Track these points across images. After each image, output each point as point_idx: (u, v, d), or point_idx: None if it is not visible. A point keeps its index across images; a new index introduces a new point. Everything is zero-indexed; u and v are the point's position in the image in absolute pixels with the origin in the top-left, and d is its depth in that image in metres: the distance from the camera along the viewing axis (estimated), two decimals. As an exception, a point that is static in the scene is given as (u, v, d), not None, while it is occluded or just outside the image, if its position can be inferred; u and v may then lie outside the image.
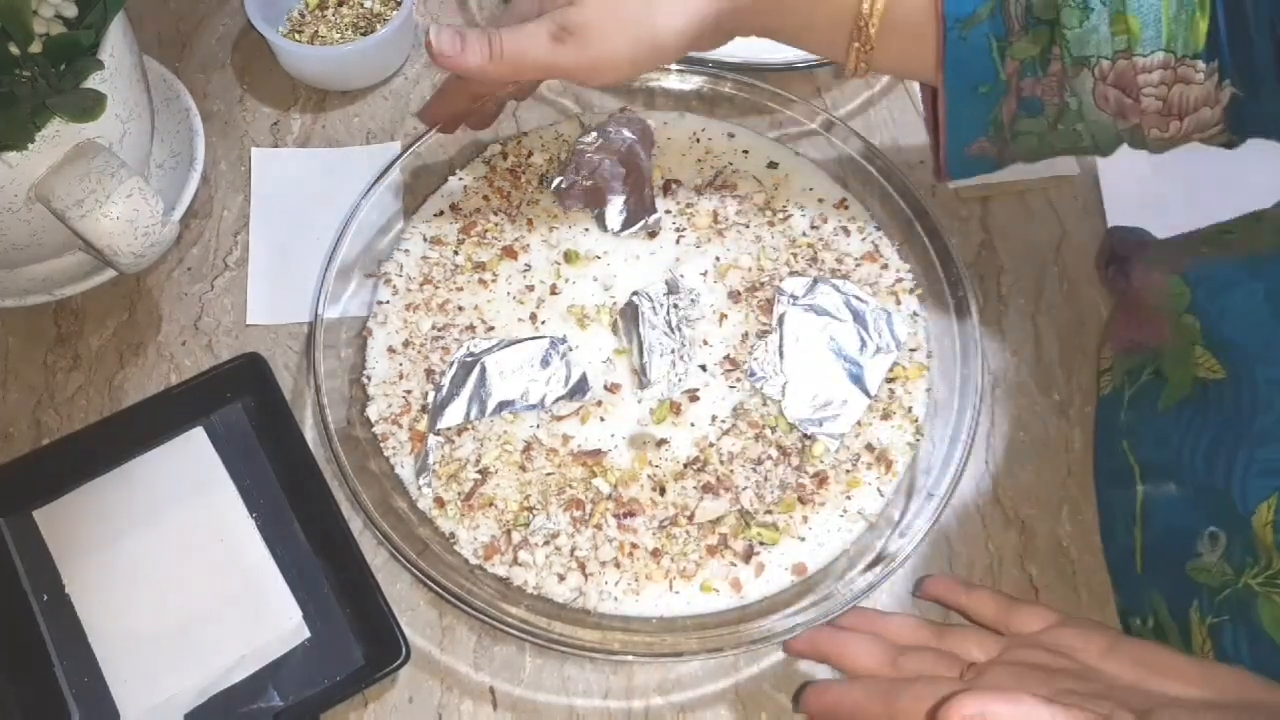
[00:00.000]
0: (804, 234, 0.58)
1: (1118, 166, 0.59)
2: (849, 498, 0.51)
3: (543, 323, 0.55)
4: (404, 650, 0.46)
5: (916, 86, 0.67)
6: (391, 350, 0.54)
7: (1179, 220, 0.56)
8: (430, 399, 0.52)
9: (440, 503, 0.50)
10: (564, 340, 0.53)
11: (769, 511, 0.50)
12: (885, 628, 0.46)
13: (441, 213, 0.58)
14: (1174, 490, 0.47)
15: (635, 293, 0.55)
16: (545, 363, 0.52)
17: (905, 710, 0.40)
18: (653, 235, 0.58)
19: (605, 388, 0.53)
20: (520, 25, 0.49)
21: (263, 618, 0.48)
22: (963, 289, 0.55)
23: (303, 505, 0.51)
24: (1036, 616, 0.44)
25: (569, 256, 0.57)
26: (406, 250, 0.57)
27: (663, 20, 0.48)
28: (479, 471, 0.50)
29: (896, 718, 0.40)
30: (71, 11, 0.48)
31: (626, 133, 0.59)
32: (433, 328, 0.55)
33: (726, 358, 0.54)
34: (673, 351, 0.53)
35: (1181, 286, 0.48)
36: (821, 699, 0.43)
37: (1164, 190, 0.62)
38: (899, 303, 0.56)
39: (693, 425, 0.52)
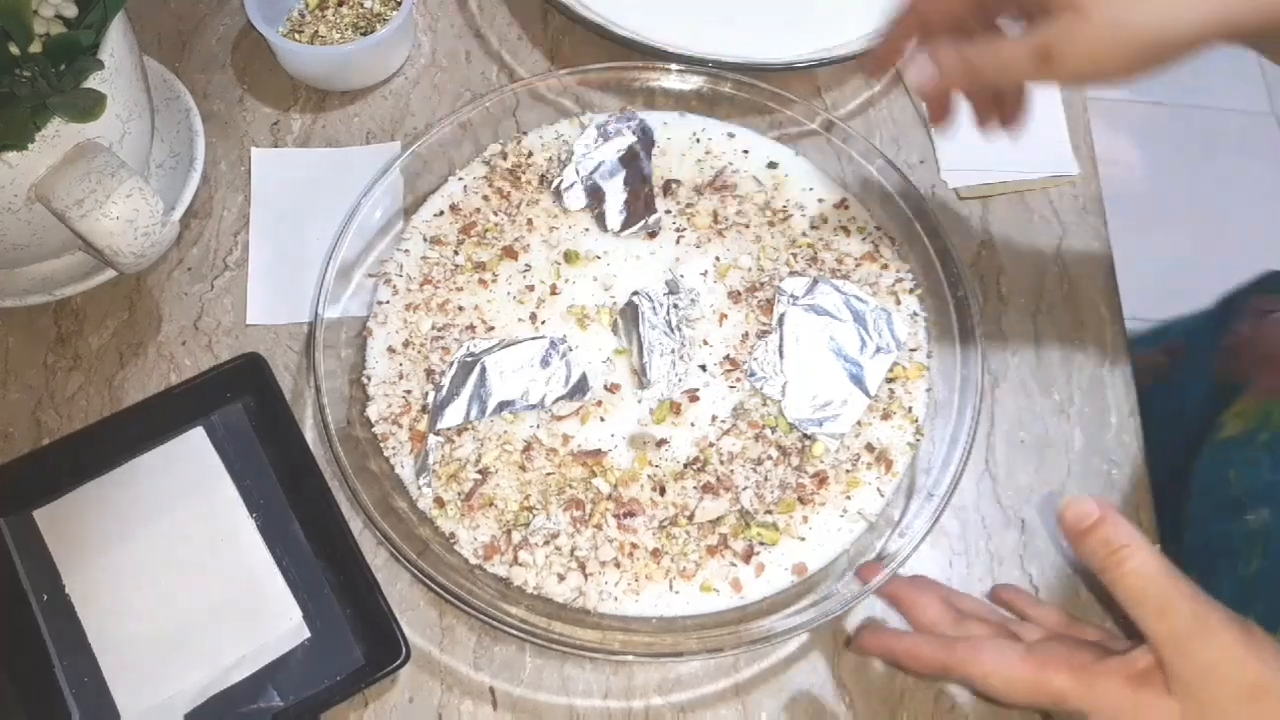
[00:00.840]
0: (804, 234, 0.58)
1: (1120, 168, 0.59)
2: (849, 498, 0.51)
3: (543, 323, 0.55)
4: (404, 650, 0.46)
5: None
6: (391, 350, 0.54)
7: (1181, 219, 0.56)
8: (430, 399, 0.52)
9: (440, 503, 0.50)
10: (564, 340, 0.53)
11: (769, 511, 0.50)
12: (957, 601, 0.47)
13: (441, 213, 0.58)
14: None
15: (635, 293, 0.55)
16: (545, 363, 0.52)
17: (960, 659, 0.41)
18: (653, 235, 0.58)
19: (605, 388, 0.53)
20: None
21: (263, 618, 0.48)
22: (963, 289, 0.55)
23: (303, 505, 0.51)
24: (1099, 633, 0.45)
25: (569, 256, 0.57)
26: (406, 250, 0.57)
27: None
28: (479, 471, 0.50)
29: (950, 665, 0.41)
30: (71, 11, 0.48)
31: (627, 133, 0.59)
32: (433, 328, 0.55)
33: (726, 358, 0.54)
34: (673, 351, 0.53)
35: None
36: (880, 638, 0.45)
37: (1166, 191, 0.62)
38: (899, 303, 0.56)
39: (693, 425, 0.52)
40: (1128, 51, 0.41)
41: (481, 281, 0.56)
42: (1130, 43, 0.41)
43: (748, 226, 0.58)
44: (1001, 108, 0.49)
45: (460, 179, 0.60)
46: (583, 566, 0.49)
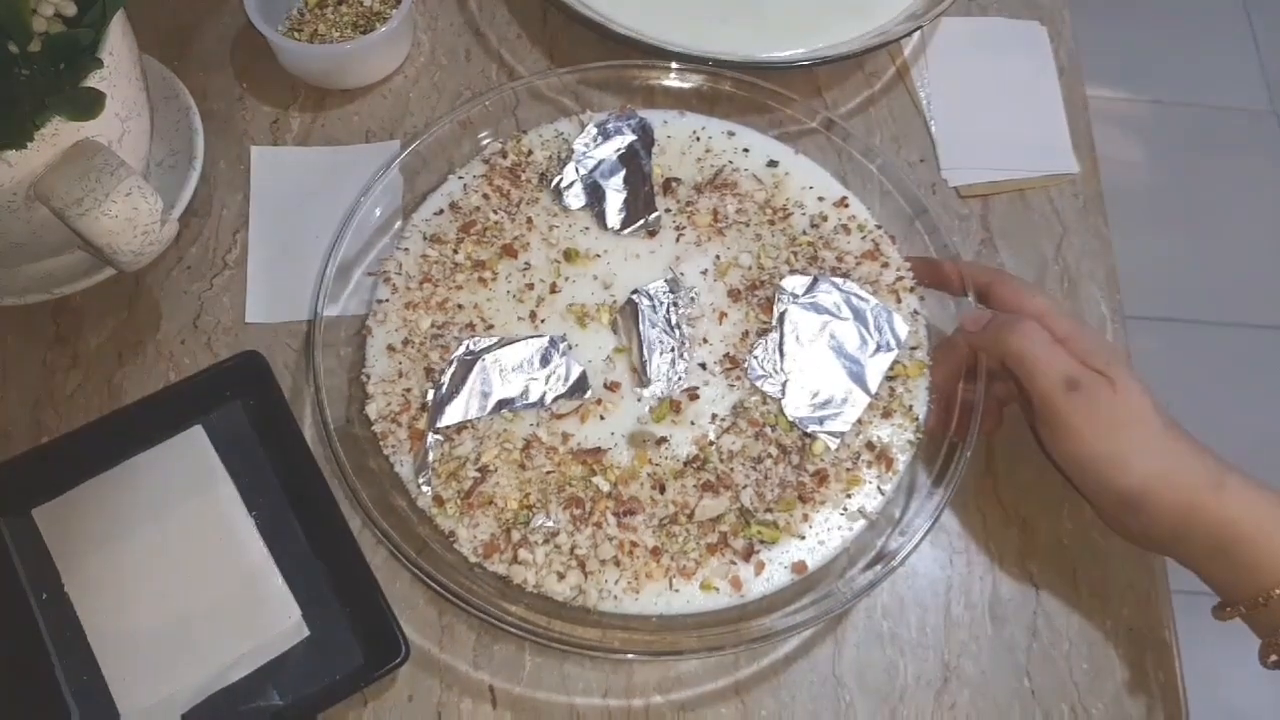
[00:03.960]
0: (804, 232, 0.58)
1: (1120, 166, 0.59)
2: (849, 496, 0.51)
3: (542, 321, 0.55)
4: (403, 649, 0.46)
5: (917, 85, 0.67)
6: (391, 348, 0.54)
7: (1181, 219, 0.56)
8: (430, 397, 0.52)
9: (440, 501, 0.50)
10: (564, 338, 0.53)
11: (769, 510, 0.50)
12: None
13: (441, 211, 0.58)
14: None
15: (635, 291, 0.55)
16: (545, 361, 0.52)
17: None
18: (652, 234, 0.58)
19: (605, 386, 0.53)
20: (1051, 343, 0.48)
21: (262, 616, 0.48)
22: (963, 287, 0.55)
23: (302, 504, 0.51)
24: None
25: (569, 255, 0.57)
26: (406, 249, 0.57)
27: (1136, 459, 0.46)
28: (478, 470, 0.50)
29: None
30: (71, 10, 0.48)
31: (627, 131, 0.59)
32: (432, 326, 0.55)
33: (726, 356, 0.54)
34: (672, 350, 0.53)
35: None
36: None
37: (1166, 190, 0.62)
38: (899, 301, 0.56)
39: (692, 424, 0.52)
40: (1110, 447, 0.46)
41: (481, 280, 0.56)
42: (1110, 457, 0.46)
43: (748, 225, 0.58)
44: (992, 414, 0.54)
45: (460, 177, 0.60)
46: (582, 565, 0.48)
